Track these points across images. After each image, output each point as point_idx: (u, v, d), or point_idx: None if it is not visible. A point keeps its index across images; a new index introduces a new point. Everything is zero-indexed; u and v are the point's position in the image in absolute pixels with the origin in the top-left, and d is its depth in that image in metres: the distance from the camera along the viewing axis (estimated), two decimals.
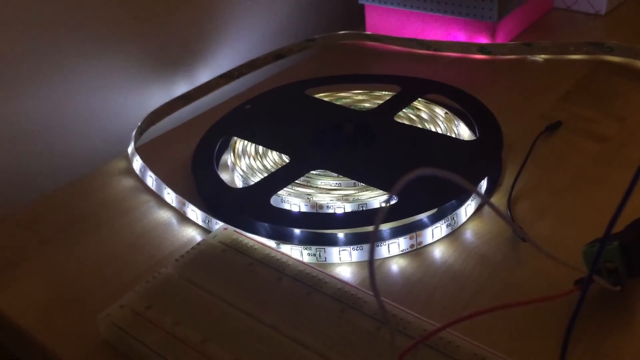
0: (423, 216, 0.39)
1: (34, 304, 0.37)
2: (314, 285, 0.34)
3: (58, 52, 0.53)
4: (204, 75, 0.67)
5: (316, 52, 0.68)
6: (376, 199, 0.40)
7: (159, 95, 0.63)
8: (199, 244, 0.38)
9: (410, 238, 0.38)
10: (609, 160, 0.44)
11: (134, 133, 0.51)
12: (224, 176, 0.46)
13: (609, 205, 0.40)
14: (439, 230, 0.38)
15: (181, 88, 0.65)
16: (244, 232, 0.38)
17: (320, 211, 0.40)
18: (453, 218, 0.39)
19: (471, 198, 0.40)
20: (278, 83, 0.58)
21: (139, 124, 0.53)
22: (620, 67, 0.56)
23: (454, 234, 0.39)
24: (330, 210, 0.40)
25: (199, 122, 0.55)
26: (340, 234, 0.38)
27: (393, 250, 0.37)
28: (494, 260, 0.37)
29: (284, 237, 0.39)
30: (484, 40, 0.61)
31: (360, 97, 0.53)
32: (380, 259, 0.37)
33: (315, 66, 0.64)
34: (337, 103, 0.52)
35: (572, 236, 0.37)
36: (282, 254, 0.36)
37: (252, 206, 0.40)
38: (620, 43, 0.57)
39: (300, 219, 0.39)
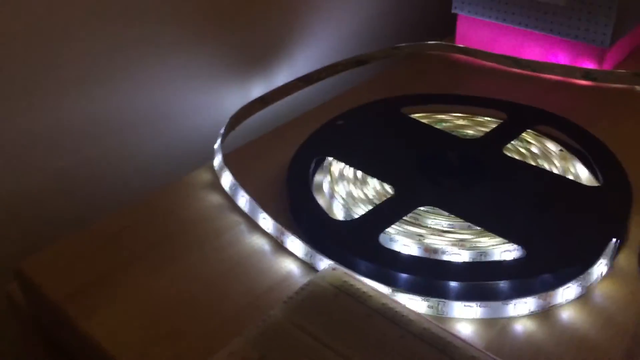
0: (557, 273, 0.36)
1: (127, 335, 0.34)
2: (444, 348, 0.31)
3: (135, 51, 0.50)
4: (282, 78, 0.64)
5: (401, 60, 0.65)
6: (496, 248, 0.37)
7: (235, 97, 0.60)
8: (307, 284, 0.35)
9: (538, 298, 0.34)
10: None
11: (218, 143, 0.48)
12: (320, 201, 0.43)
13: None
14: (570, 290, 0.35)
15: (257, 90, 0.62)
16: (355, 275, 0.35)
17: (434, 257, 0.37)
18: (584, 278, 0.35)
19: (602, 256, 0.37)
20: (364, 93, 0.55)
21: (222, 131, 0.50)
22: None
23: (586, 295, 0.35)
24: (446, 257, 0.37)
25: (282, 133, 0.52)
26: (458, 286, 0.35)
27: (520, 310, 0.34)
28: (633, 332, 0.33)
29: (394, 283, 0.36)
30: (589, 64, 0.57)
31: (461, 122, 0.50)
32: (503, 319, 0.34)
33: (402, 77, 0.60)
34: (437, 126, 0.49)
35: None
36: (402, 305, 0.33)
37: (361, 244, 0.37)
38: None
39: (415, 264, 0.36)
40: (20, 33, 0.44)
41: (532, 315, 0.34)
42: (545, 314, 0.34)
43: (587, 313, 0.34)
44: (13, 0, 0.43)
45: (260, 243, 0.41)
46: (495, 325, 0.34)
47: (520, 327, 0.34)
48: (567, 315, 0.34)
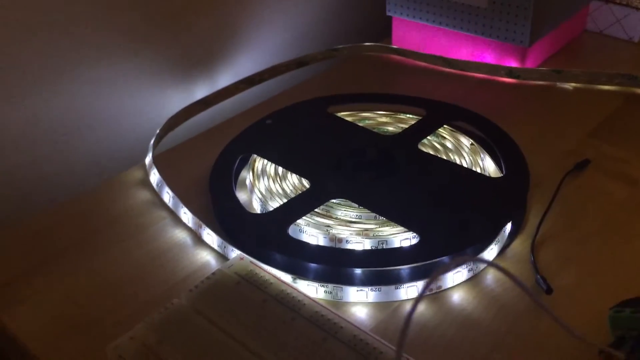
0: (444, 259, 0.38)
1: (43, 325, 0.36)
2: (329, 330, 0.33)
3: (74, 53, 0.52)
4: (224, 80, 0.66)
5: (340, 62, 0.67)
6: (397, 236, 0.39)
7: (179, 99, 0.62)
8: (214, 273, 0.37)
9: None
10: (638, 206, 0.43)
11: (151, 143, 0.51)
12: (242, 196, 0.46)
13: (637, 259, 0.39)
14: (460, 275, 0.37)
15: (202, 92, 0.64)
16: (260, 264, 0.38)
17: (339, 246, 0.39)
18: (474, 263, 0.38)
19: (495, 242, 0.39)
20: (300, 93, 0.57)
21: (157, 131, 0.53)
22: None
23: (474, 279, 0.38)
24: (350, 246, 0.39)
25: (218, 132, 0.54)
26: (358, 272, 0.38)
27: (411, 294, 0.37)
28: (515, 311, 0.36)
29: (300, 271, 0.38)
30: (513, 63, 0.60)
31: (384, 119, 0.52)
32: (397, 302, 0.37)
33: (338, 78, 0.63)
34: (360, 124, 0.51)
35: (597, 292, 0.36)
36: (298, 291, 0.35)
37: (270, 236, 0.39)
38: None
39: (318, 253, 0.38)
40: None
41: (423, 298, 0.37)
42: (435, 296, 0.37)
43: (474, 295, 0.37)
44: None
45: (181, 236, 0.43)
46: (388, 308, 0.36)
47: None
48: (456, 297, 0.37)
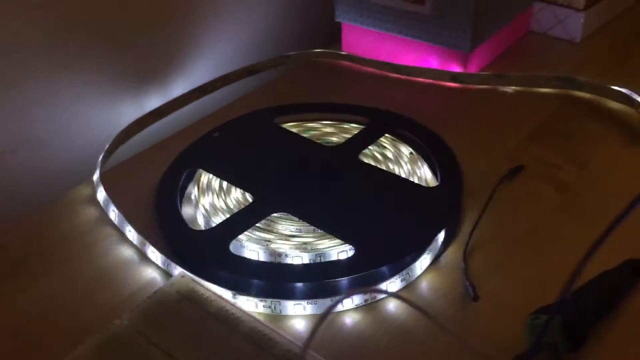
0: (382, 269, 0.40)
1: None
2: (264, 345, 0.34)
3: (16, 66, 0.52)
4: (178, 89, 0.66)
5: (291, 69, 0.68)
6: (334, 249, 0.41)
7: (132, 109, 0.63)
8: (155, 292, 0.38)
9: (365, 293, 0.38)
10: (566, 212, 0.45)
11: (100, 159, 0.51)
12: (189, 211, 0.47)
13: (561, 264, 0.41)
14: (394, 284, 0.39)
15: (155, 102, 0.65)
16: (200, 281, 0.39)
17: (278, 260, 0.41)
18: (407, 273, 0.39)
19: (427, 251, 0.41)
20: (251, 102, 0.58)
21: (107, 146, 0.53)
22: (589, 105, 0.57)
23: (409, 287, 0.40)
24: (289, 260, 0.40)
25: (167, 145, 0.54)
26: (298, 286, 0.39)
27: (347, 304, 0.38)
28: (445, 318, 0.37)
29: (242, 287, 0.39)
30: (456, 68, 0.61)
31: (328, 130, 0.53)
32: (333, 313, 0.38)
33: (289, 86, 0.64)
34: (306, 135, 0.52)
35: (522, 298, 0.38)
36: (237, 308, 0.37)
37: (211, 253, 0.41)
38: (590, 80, 0.57)
39: (257, 269, 0.40)
40: None
41: (358, 308, 0.38)
42: (370, 306, 0.38)
43: (406, 306, 0.38)
44: None
45: (127, 254, 0.44)
46: (324, 320, 0.38)
47: (348, 319, 0.38)
48: (391, 306, 0.38)
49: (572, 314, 0.33)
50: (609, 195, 0.46)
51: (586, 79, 0.57)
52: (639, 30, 0.70)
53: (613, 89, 0.56)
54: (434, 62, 0.62)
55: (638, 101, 0.54)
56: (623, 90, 0.55)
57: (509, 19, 0.64)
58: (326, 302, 0.38)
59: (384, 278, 0.39)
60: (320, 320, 0.27)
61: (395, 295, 0.29)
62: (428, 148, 0.49)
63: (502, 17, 0.63)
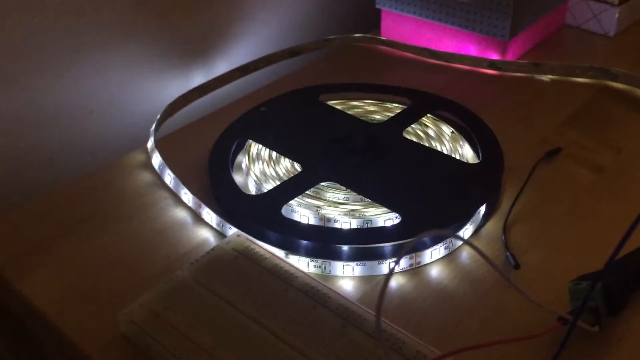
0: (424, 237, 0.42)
1: (56, 294, 0.40)
2: (319, 299, 0.37)
3: (75, 40, 0.55)
4: (221, 68, 0.69)
5: (331, 52, 0.70)
6: (381, 216, 0.43)
7: (176, 87, 0.65)
8: (213, 249, 0.41)
9: (410, 258, 0.40)
10: (602, 193, 0.47)
11: (152, 127, 0.54)
12: (238, 178, 0.49)
13: (598, 239, 0.43)
14: (437, 252, 0.41)
15: (198, 79, 0.67)
16: (255, 240, 0.41)
17: (328, 225, 0.43)
18: (451, 241, 0.41)
19: (470, 222, 0.43)
20: (293, 82, 0.61)
21: (158, 117, 0.56)
22: (622, 95, 0.58)
23: (451, 256, 0.42)
24: (338, 225, 0.43)
25: (215, 118, 0.57)
26: (345, 249, 0.41)
27: (401, 265, 0.40)
28: (486, 285, 0.39)
29: (293, 247, 0.42)
30: (494, 55, 0.63)
31: (371, 108, 0.55)
32: (380, 275, 0.40)
33: (330, 67, 0.66)
34: (349, 112, 0.54)
35: (560, 268, 0.40)
36: (291, 265, 0.39)
37: (264, 215, 0.43)
38: (624, 70, 0.59)
39: (309, 231, 0.42)
40: None
41: (403, 272, 0.40)
42: (414, 271, 0.41)
43: (450, 270, 0.41)
44: None
45: (181, 215, 0.46)
46: (372, 281, 0.40)
47: (394, 282, 0.40)
48: (434, 272, 0.41)
49: (613, 281, 0.34)
50: None
51: (621, 70, 0.59)
52: None
53: None
54: (471, 49, 0.64)
55: None
56: None
57: (546, 11, 0.66)
58: (374, 264, 0.40)
59: (426, 246, 0.41)
60: (387, 279, 0.29)
61: (468, 243, 0.31)
62: (469, 127, 0.51)
63: (539, 8, 0.64)
